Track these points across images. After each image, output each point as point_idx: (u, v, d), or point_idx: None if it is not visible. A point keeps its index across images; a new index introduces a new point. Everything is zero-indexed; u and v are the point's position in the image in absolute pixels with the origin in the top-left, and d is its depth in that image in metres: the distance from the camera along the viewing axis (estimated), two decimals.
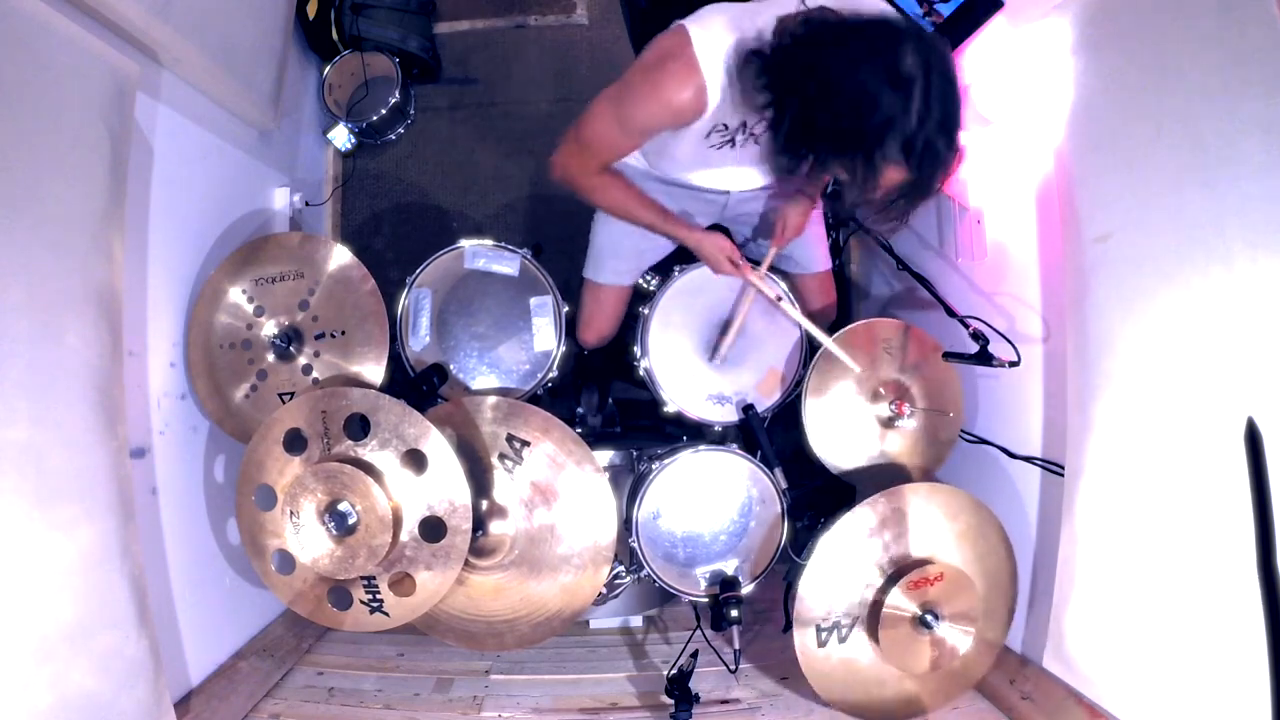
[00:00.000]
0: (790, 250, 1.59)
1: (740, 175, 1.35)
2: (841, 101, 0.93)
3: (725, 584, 1.43)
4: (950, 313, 1.43)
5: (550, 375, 1.54)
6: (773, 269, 1.52)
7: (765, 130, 1.10)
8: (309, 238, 1.46)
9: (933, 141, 0.93)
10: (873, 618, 1.26)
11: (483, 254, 1.54)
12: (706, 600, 1.46)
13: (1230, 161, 0.96)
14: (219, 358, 1.41)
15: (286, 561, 1.23)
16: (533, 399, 1.54)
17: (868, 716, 1.31)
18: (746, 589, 1.45)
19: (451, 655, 1.58)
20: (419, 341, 1.52)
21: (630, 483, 1.58)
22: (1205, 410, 1.01)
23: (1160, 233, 1.07)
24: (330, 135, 2.26)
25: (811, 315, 1.60)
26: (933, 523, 1.29)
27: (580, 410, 2.00)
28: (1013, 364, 1.33)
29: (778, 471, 1.46)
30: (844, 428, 1.50)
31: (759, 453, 1.49)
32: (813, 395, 1.48)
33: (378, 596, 1.22)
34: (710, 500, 1.48)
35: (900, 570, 1.26)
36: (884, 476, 1.53)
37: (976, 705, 1.37)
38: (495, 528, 1.32)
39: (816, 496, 1.72)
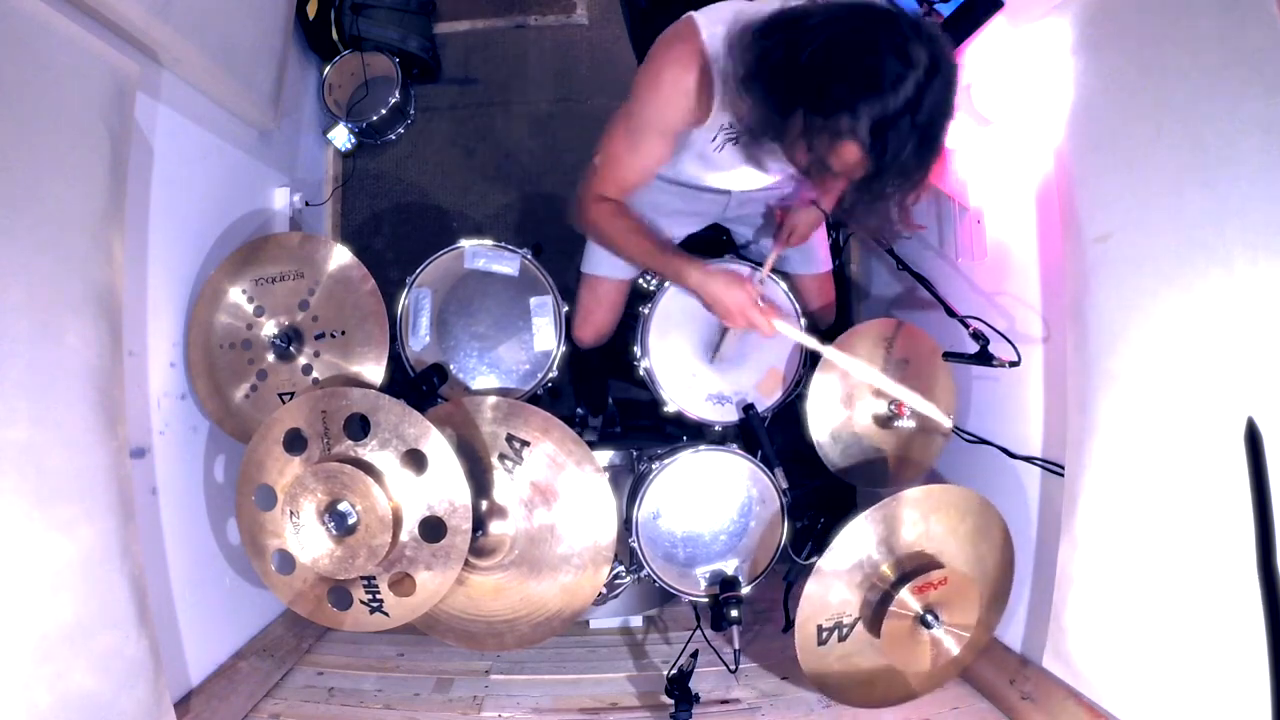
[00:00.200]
0: (790, 251, 1.60)
1: (743, 175, 1.35)
2: (835, 48, 0.86)
3: (725, 584, 1.43)
4: (950, 313, 1.43)
5: (550, 375, 1.54)
6: (773, 269, 1.52)
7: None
8: (309, 238, 1.46)
9: (905, 137, 0.86)
10: (878, 614, 1.25)
11: (483, 254, 1.54)
12: (706, 600, 1.46)
13: (1230, 161, 0.96)
14: (219, 358, 1.41)
15: (286, 561, 1.23)
16: (533, 399, 1.54)
17: (858, 700, 1.31)
18: (746, 589, 1.45)
19: (451, 655, 1.58)
20: (419, 341, 1.52)
21: (630, 483, 1.58)
22: (1205, 410, 1.01)
23: (1160, 233, 1.07)
24: (330, 135, 2.26)
25: (810, 315, 1.61)
26: (939, 525, 1.28)
27: (580, 411, 2.00)
28: (1013, 364, 1.33)
29: (778, 471, 1.45)
30: (844, 426, 1.50)
31: (759, 453, 1.49)
32: (813, 394, 1.48)
33: (378, 596, 1.22)
34: (710, 500, 1.48)
35: (910, 570, 1.25)
36: (882, 475, 1.53)
37: (976, 705, 1.37)
38: (495, 528, 1.32)
39: (816, 496, 1.72)
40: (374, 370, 1.39)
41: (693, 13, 1.09)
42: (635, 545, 1.45)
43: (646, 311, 1.53)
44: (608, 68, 2.43)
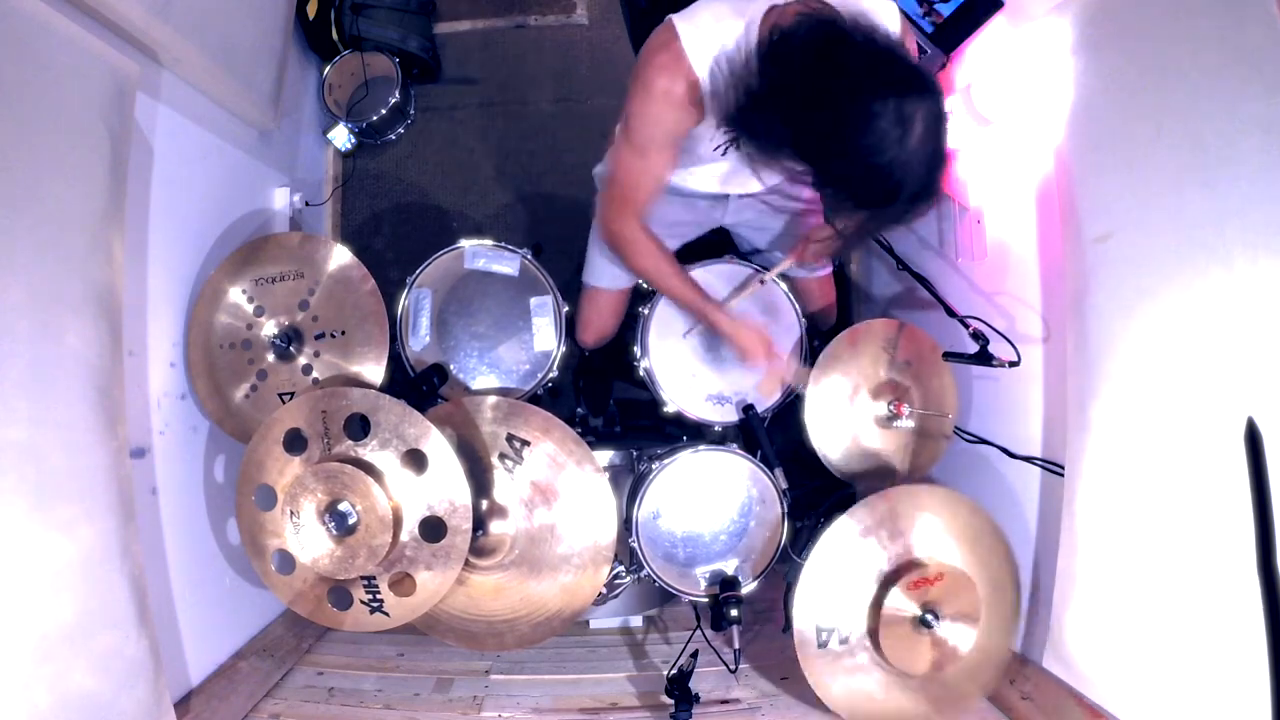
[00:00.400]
0: (790, 252, 1.60)
1: (740, 179, 1.35)
2: (836, 139, 0.89)
3: (725, 584, 1.43)
4: (950, 313, 1.43)
5: (550, 375, 1.54)
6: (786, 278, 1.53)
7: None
8: (309, 238, 1.46)
9: (902, 210, 0.92)
10: (873, 621, 1.26)
11: (483, 254, 1.54)
12: (706, 600, 1.46)
13: (1230, 161, 0.96)
14: (219, 358, 1.41)
15: (286, 561, 1.23)
16: (533, 399, 1.54)
17: None
18: (746, 589, 1.45)
19: (451, 655, 1.58)
20: (419, 341, 1.52)
21: (630, 483, 1.58)
22: (1205, 410, 1.01)
23: (1160, 233, 1.07)
24: (330, 135, 2.26)
25: (811, 316, 1.61)
26: (931, 525, 1.29)
27: (580, 410, 2.00)
28: (1013, 364, 1.33)
29: (778, 471, 1.45)
30: (843, 426, 1.50)
31: (759, 453, 1.49)
32: (813, 394, 1.48)
33: (378, 596, 1.22)
34: (710, 500, 1.48)
35: (899, 570, 1.25)
36: (882, 475, 1.53)
37: (977, 705, 1.37)
38: (495, 528, 1.32)
39: (816, 496, 1.72)
40: (374, 370, 1.39)
41: (671, 16, 1.09)
42: (635, 545, 1.45)
43: (646, 312, 1.53)
44: (608, 68, 2.43)
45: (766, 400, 1.54)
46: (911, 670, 1.26)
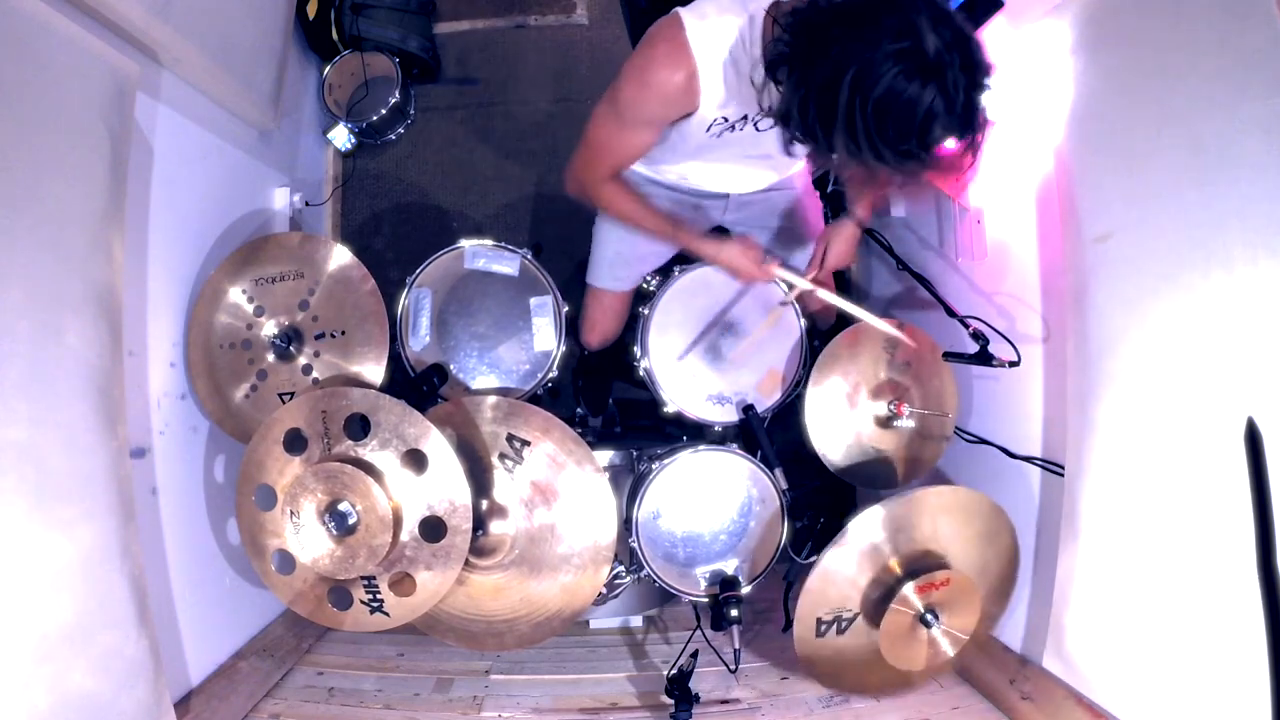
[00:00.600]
0: (791, 251, 1.60)
1: (741, 175, 1.35)
2: (875, 100, 0.83)
3: (725, 584, 1.43)
4: (950, 313, 1.43)
5: (550, 375, 1.54)
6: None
7: (774, 126, 1.04)
8: (309, 238, 1.46)
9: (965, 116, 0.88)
10: (879, 609, 1.25)
11: (483, 254, 1.54)
12: (706, 600, 1.46)
13: (1230, 161, 0.96)
14: (219, 358, 1.41)
15: (286, 561, 1.23)
16: (533, 399, 1.54)
17: (852, 687, 1.31)
18: (746, 589, 1.45)
19: (451, 655, 1.58)
20: (419, 341, 1.52)
21: (630, 483, 1.58)
22: (1205, 410, 1.01)
23: (1160, 233, 1.07)
24: (330, 135, 2.26)
25: (811, 316, 1.61)
26: (950, 524, 1.28)
27: (580, 410, 2.00)
28: (1013, 364, 1.33)
29: (778, 471, 1.45)
30: (844, 426, 1.50)
31: (759, 453, 1.49)
32: (813, 394, 1.48)
33: (378, 596, 1.22)
34: (710, 500, 1.48)
35: (915, 568, 1.25)
36: (882, 475, 1.53)
37: (976, 705, 1.37)
38: (495, 527, 1.32)
39: (816, 496, 1.72)
40: (374, 370, 1.39)
41: (679, 10, 1.09)
42: (635, 545, 1.45)
43: (646, 312, 1.53)
44: (608, 68, 2.42)
45: (766, 400, 1.54)
46: (906, 665, 1.26)
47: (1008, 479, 1.48)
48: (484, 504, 1.31)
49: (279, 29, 1.73)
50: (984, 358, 1.34)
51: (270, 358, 1.40)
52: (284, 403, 1.38)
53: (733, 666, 1.38)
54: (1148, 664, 1.12)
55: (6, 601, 0.87)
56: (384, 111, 2.23)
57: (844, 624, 1.27)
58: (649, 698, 1.43)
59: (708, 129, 1.18)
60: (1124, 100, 1.15)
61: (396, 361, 1.48)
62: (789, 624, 1.31)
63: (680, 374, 1.53)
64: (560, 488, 1.31)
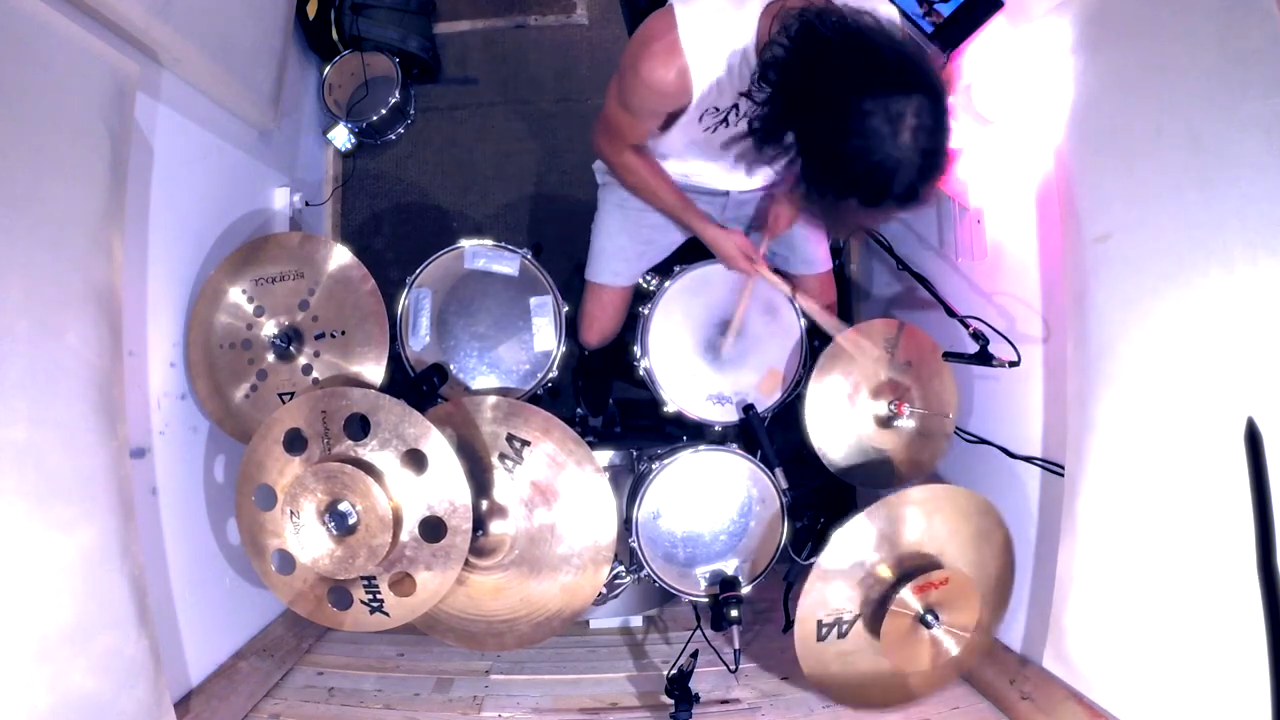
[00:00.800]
0: (790, 251, 1.60)
1: (739, 174, 1.35)
2: (833, 142, 0.87)
3: (725, 584, 1.43)
4: (950, 313, 1.43)
5: (550, 375, 1.54)
6: (774, 269, 1.53)
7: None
8: (309, 238, 1.46)
9: (900, 202, 0.88)
10: (878, 613, 1.25)
11: (483, 254, 1.54)
12: (706, 600, 1.46)
13: (1230, 161, 0.96)
14: (219, 358, 1.41)
15: (286, 561, 1.23)
16: (533, 399, 1.54)
17: (858, 702, 1.31)
18: (746, 589, 1.45)
19: (451, 655, 1.58)
20: (419, 341, 1.52)
21: (630, 483, 1.58)
22: (1205, 410, 1.01)
23: (1160, 233, 1.07)
24: (330, 135, 2.26)
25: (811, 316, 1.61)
26: (944, 524, 1.28)
27: (580, 410, 2.00)
28: (1013, 364, 1.33)
29: (778, 471, 1.45)
30: (844, 426, 1.50)
31: (759, 453, 1.49)
32: (813, 394, 1.48)
33: (378, 596, 1.22)
34: (710, 500, 1.48)
35: (911, 569, 1.25)
36: (882, 475, 1.53)
37: (976, 705, 1.37)
38: (495, 528, 1.32)
39: (816, 496, 1.72)
40: (374, 370, 1.39)
41: (674, 3, 1.08)
42: (635, 545, 1.45)
43: (646, 312, 1.53)
44: (608, 68, 2.42)
45: (767, 400, 1.54)
46: (911, 668, 1.26)
47: (1008, 479, 1.48)
48: (484, 504, 1.31)
49: (279, 29, 1.73)
50: (984, 358, 1.34)
51: (270, 358, 1.40)
52: (284, 403, 1.38)
53: (733, 666, 1.38)
54: (1147, 664, 1.12)
55: (6, 601, 0.87)
56: (384, 111, 2.23)
57: (845, 628, 1.27)
58: (649, 698, 1.43)
59: (700, 120, 1.18)
60: (1124, 100, 1.15)
61: (396, 361, 1.48)
62: (789, 624, 1.30)
63: (680, 374, 1.53)
64: (560, 488, 1.31)
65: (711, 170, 1.39)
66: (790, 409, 1.55)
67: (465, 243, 1.54)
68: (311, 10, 2.14)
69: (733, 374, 1.54)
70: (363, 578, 1.21)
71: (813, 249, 1.61)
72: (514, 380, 1.54)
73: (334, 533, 1.16)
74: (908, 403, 1.47)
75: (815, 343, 1.56)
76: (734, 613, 1.37)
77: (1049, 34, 1.28)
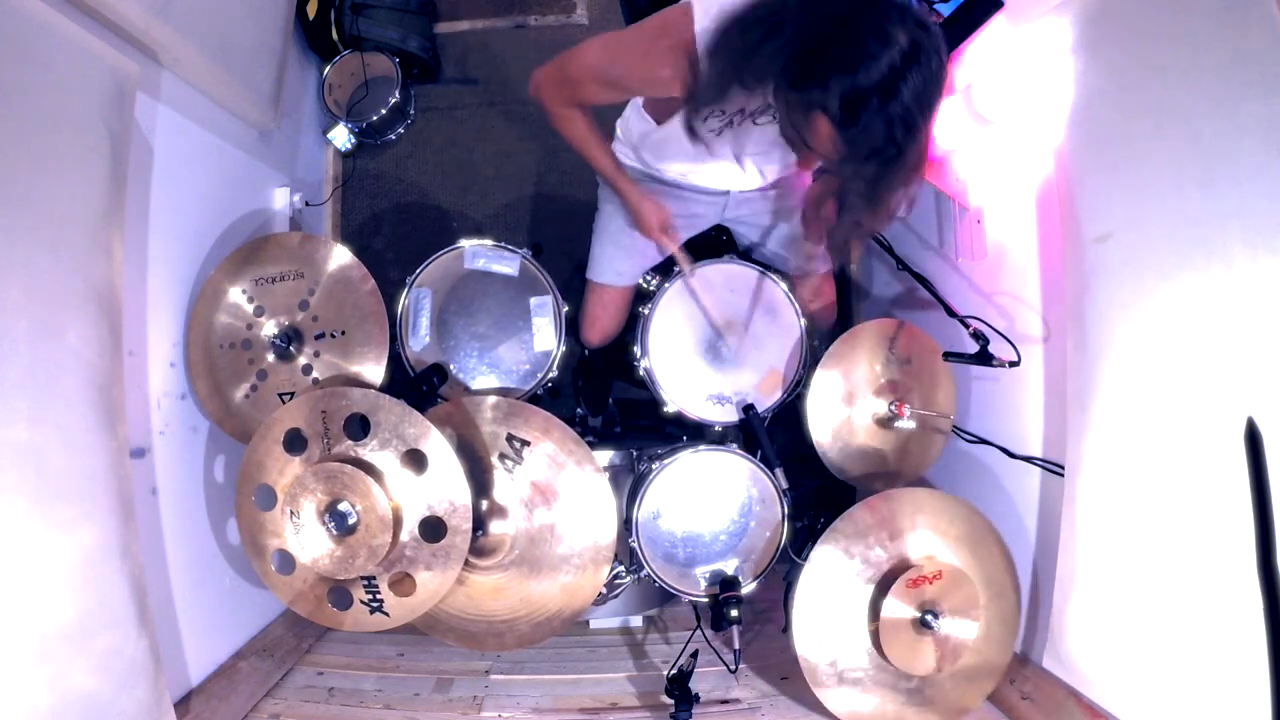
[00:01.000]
0: (790, 251, 1.60)
1: (738, 172, 1.35)
2: (814, 23, 0.86)
3: (725, 584, 1.43)
4: (950, 313, 1.43)
5: (550, 375, 1.54)
6: (774, 269, 1.53)
7: (772, 120, 1.08)
8: (309, 238, 1.46)
9: (876, 117, 0.85)
10: (873, 627, 1.26)
11: (483, 254, 1.54)
12: (706, 600, 1.46)
13: (1230, 161, 0.96)
14: (219, 358, 1.41)
15: (286, 561, 1.23)
16: (533, 399, 1.54)
17: None
18: (746, 589, 1.45)
19: (451, 655, 1.58)
20: (419, 341, 1.52)
21: (630, 483, 1.58)
22: (1205, 410, 1.01)
23: (1160, 233, 1.07)
24: (330, 135, 2.26)
25: (811, 316, 1.61)
26: (928, 529, 1.29)
27: (580, 410, 2.00)
28: (1013, 364, 1.33)
29: (778, 471, 1.45)
30: (844, 426, 1.50)
31: (759, 453, 1.49)
32: (813, 394, 1.48)
33: (378, 596, 1.22)
34: (710, 500, 1.48)
35: (895, 571, 1.25)
36: (882, 475, 1.53)
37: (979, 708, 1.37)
38: (495, 528, 1.32)
39: (816, 497, 1.72)
40: (374, 370, 1.39)
41: (693, 2, 1.07)
42: (635, 545, 1.45)
43: (646, 312, 1.53)
44: None
45: (767, 400, 1.54)
46: (917, 671, 1.26)
47: (1008, 479, 1.48)
48: (484, 504, 1.31)
49: (279, 29, 1.73)
50: (984, 358, 1.34)
51: (270, 358, 1.40)
52: (284, 403, 1.38)
53: (733, 666, 1.38)
54: (1147, 664, 1.11)
55: (6, 601, 0.87)
56: (384, 111, 2.23)
57: (847, 664, 1.28)
58: (649, 698, 1.43)
59: (705, 122, 1.18)
60: (1124, 100, 1.15)
61: (396, 361, 1.48)
62: (789, 624, 1.30)
63: (680, 374, 1.53)
64: (560, 488, 1.31)
65: (712, 170, 1.39)
66: (790, 409, 1.55)
67: (465, 243, 1.54)
68: (311, 10, 2.14)
69: (733, 374, 1.54)
70: (363, 578, 1.21)
71: (812, 249, 1.60)
72: (514, 380, 1.54)
73: (334, 533, 1.16)
74: (908, 403, 1.47)
75: (815, 342, 1.56)
76: (734, 613, 1.37)
77: (1049, 34, 1.28)
